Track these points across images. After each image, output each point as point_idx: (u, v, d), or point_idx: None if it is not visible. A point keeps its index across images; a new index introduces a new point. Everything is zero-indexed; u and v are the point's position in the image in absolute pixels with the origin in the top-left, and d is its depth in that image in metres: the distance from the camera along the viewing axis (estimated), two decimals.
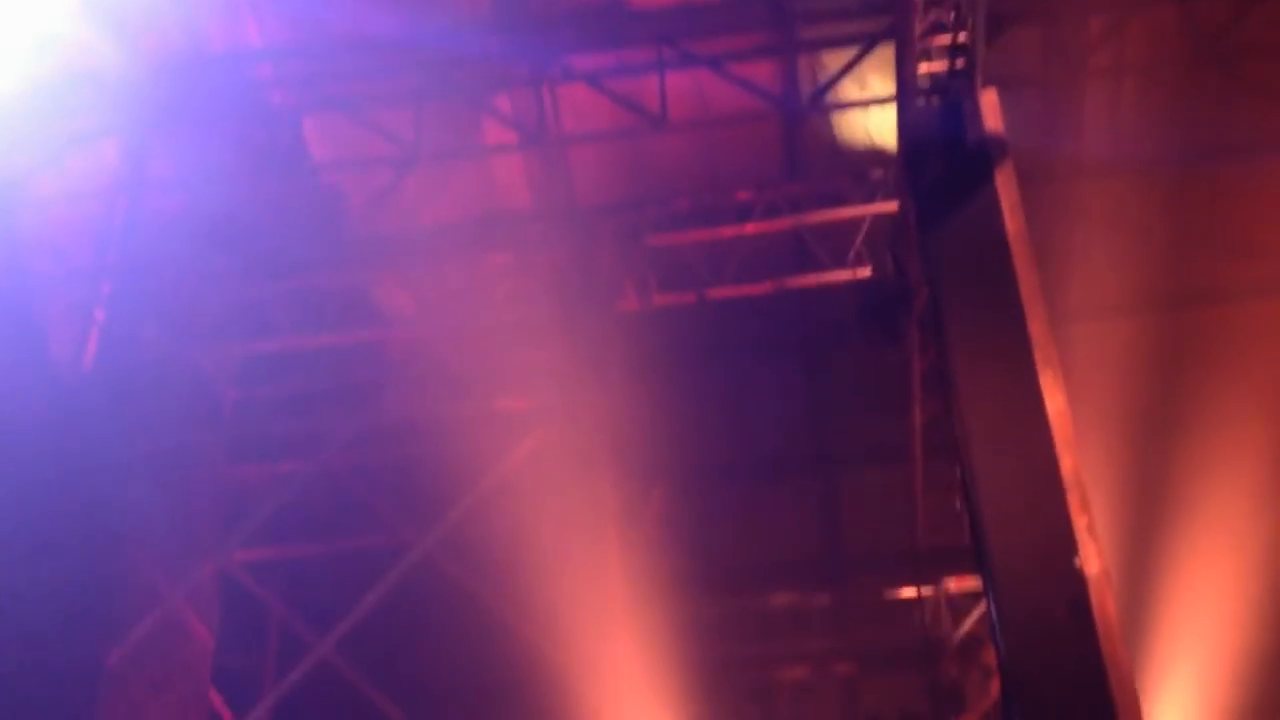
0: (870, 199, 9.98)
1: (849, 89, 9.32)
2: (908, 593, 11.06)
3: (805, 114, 10.08)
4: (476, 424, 9.97)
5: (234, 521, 10.39)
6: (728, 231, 10.21)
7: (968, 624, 10.75)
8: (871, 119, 10.17)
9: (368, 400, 10.33)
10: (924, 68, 7.48)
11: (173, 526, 10.08)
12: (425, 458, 10.25)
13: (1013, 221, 6.91)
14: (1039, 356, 6.64)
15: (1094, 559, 6.22)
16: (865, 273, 10.12)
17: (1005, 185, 7.01)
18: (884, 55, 8.73)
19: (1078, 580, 6.17)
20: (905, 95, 7.71)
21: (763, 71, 10.00)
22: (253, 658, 11.69)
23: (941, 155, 7.25)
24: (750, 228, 10.16)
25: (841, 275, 10.22)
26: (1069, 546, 6.24)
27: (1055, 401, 6.55)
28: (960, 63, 7.38)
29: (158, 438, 10.04)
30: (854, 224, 10.12)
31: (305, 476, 10.13)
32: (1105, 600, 6.16)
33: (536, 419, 10.02)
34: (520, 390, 10.14)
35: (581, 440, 9.72)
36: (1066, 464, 6.41)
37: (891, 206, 9.72)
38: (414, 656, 11.35)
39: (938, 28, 7.40)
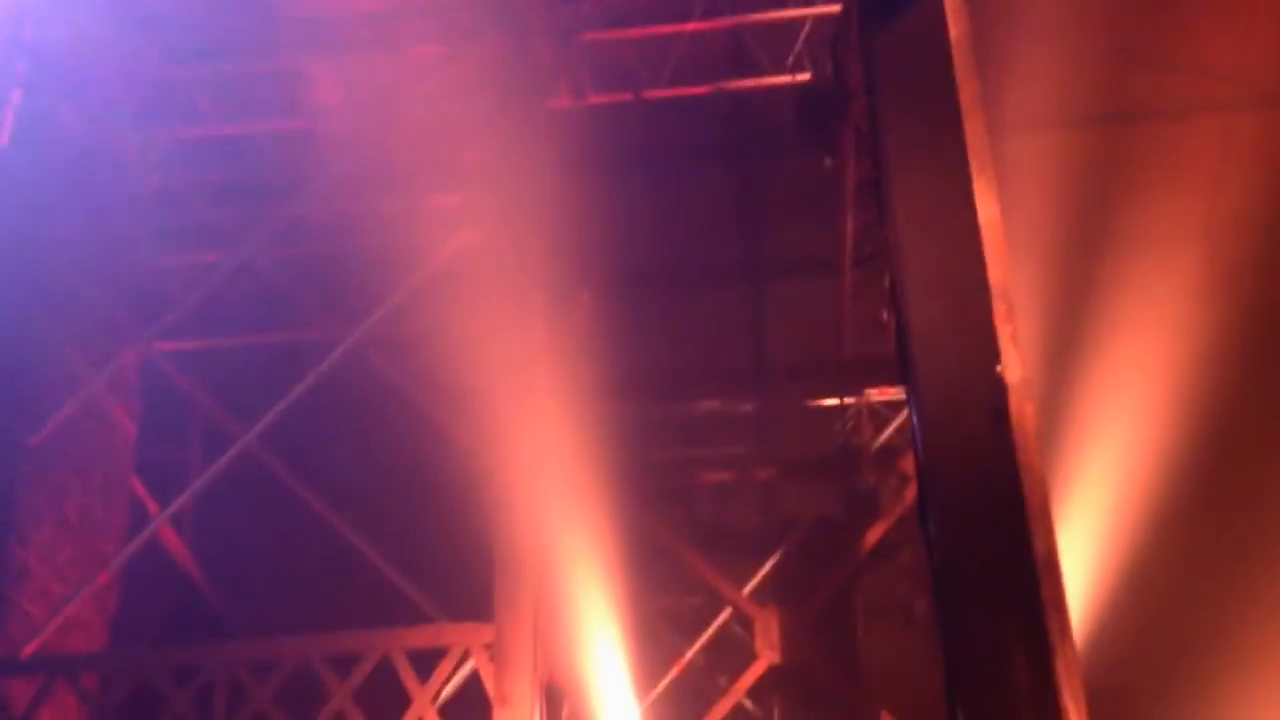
0: (812, 1, 9.84)
1: None
2: (830, 402, 11.19)
3: None
4: (405, 220, 9.83)
5: (157, 311, 10.25)
6: (666, 29, 10.04)
7: (887, 432, 10.93)
8: None
9: (295, 192, 10.13)
10: None
11: (94, 314, 9.94)
12: (353, 252, 10.12)
13: (956, 26, 6.79)
14: (974, 164, 6.59)
15: (1015, 367, 6.27)
16: (805, 78, 10.03)
17: None
18: None
19: (999, 388, 6.24)
20: None
21: None
22: (177, 449, 11.70)
23: None
24: (689, 26, 9.99)
25: (780, 79, 10.12)
26: (993, 355, 6.29)
27: (988, 210, 6.53)
28: None
29: (78, 224, 9.82)
30: (795, 27, 9.98)
31: (230, 268, 9.98)
32: (1024, 408, 6.24)
33: (466, 216, 9.89)
34: (450, 187, 10.00)
35: (511, 239, 9.61)
36: (995, 272, 6.42)
37: (834, 9, 9.57)
38: (340, 452, 11.38)
39: None
